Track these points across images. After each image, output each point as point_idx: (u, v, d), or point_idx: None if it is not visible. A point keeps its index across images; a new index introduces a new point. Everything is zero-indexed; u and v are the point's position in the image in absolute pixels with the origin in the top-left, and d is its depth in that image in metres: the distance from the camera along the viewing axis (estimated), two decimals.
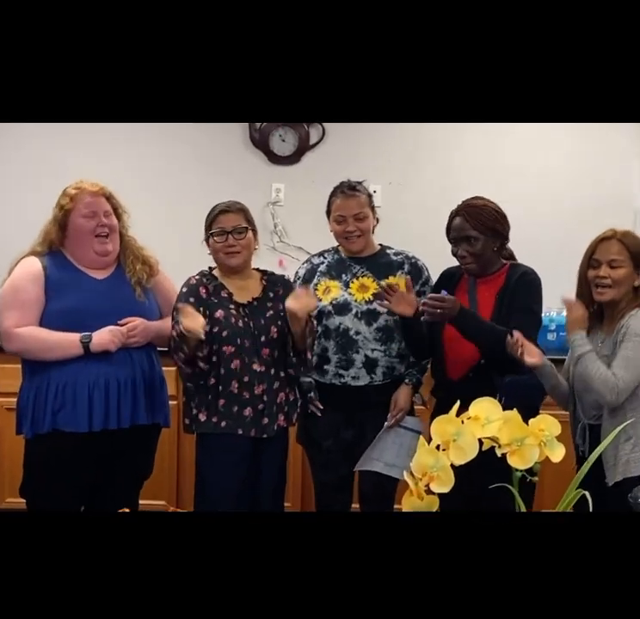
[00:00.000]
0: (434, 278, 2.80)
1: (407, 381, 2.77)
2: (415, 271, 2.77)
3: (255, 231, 2.66)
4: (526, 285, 2.59)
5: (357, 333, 2.72)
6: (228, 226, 2.58)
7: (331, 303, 2.74)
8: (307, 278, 2.81)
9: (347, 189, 2.75)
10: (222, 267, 2.65)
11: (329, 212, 2.80)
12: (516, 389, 2.37)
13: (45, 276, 2.49)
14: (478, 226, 2.56)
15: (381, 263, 2.80)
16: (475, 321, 2.53)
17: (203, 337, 2.44)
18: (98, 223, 2.50)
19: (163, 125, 4.06)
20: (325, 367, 2.76)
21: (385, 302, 2.59)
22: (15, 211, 4.00)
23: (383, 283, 2.66)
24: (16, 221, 3.80)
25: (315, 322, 2.67)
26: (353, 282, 2.77)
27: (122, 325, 2.50)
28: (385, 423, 2.73)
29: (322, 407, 2.75)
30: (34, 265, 2.51)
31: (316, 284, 2.78)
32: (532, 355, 2.38)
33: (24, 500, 2.61)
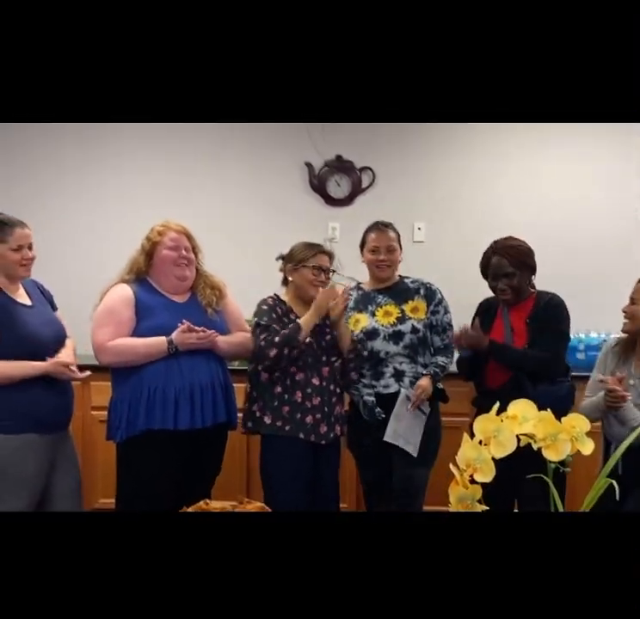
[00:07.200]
0: (449, 301, 2.95)
1: (425, 372, 2.84)
2: (430, 294, 2.92)
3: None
4: (553, 309, 2.74)
5: (386, 353, 2.83)
6: (325, 265, 2.78)
7: (362, 331, 2.87)
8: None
9: (382, 225, 2.97)
10: (304, 296, 2.76)
11: (363, 244, 2.98)
12: (547, 398, 2.36)
13: (135, 300, 2.58)
14: (516, 263, 2.72)
15: (400, 290, 2.95)
16: (504, 349, 2.73)
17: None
18: (180, 255, 2.63)
19: (234, 173, 4.26)
20: (361, 380, 2.86)
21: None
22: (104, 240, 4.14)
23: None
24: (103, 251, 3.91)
25: (359, 346, 2.80)
26: (377, 311, 2.91)
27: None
28: (407, 404, 2.76)
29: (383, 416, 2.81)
30: (126, 290, 2.60)
31: (347, 318, 2.89)
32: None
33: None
